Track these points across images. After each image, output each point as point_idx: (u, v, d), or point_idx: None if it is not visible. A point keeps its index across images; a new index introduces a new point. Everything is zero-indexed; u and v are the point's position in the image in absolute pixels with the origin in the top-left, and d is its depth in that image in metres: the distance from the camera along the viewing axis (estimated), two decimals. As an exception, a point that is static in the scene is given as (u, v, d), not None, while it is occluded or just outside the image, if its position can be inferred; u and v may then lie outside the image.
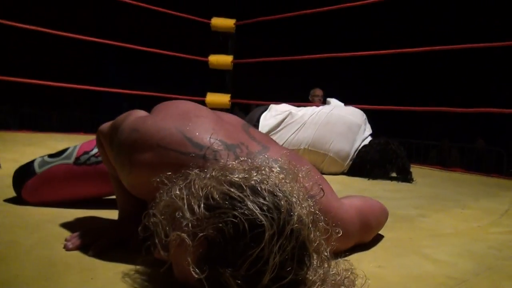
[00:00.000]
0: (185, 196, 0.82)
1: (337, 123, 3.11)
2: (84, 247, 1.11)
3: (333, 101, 3.66)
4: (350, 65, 10.52)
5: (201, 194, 0.81)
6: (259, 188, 0.81)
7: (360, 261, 1.15)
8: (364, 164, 3.01)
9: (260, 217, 0.76)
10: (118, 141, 1.08)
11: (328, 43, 9.41)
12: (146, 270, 0.98)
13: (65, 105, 8.40)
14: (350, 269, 0.92)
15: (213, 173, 0.86)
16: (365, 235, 1.26)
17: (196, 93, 5.05)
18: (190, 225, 0.78)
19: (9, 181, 1.56)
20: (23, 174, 1.53)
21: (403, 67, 10.65)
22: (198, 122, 1.06)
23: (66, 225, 1.32)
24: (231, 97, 4.99)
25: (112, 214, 1.41)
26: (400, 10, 9.84)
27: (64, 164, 1.52)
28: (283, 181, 0.87)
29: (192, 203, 0.80)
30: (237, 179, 0.83)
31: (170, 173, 0.92)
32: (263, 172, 0.88)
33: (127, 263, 1.02)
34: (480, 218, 1.89)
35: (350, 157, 3.08)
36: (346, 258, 1.11)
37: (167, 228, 0.82)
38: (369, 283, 0.92)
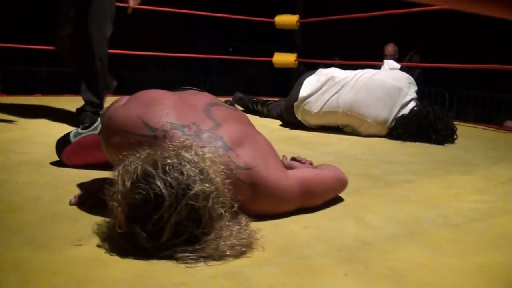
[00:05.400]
0: (120, 173, 1.14)
1: (377, 88, 3.18)
2: (82, 204, 1.48)
3: (388, 63, 3.66)
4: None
5: (131, 171, 1.12)
6: (168, 168, 1.10)
7: (292, 221, 1.40)
8: (402, 136, 3.09)
9: (163, 190, 1.06)
10: (102, 124, 1.43)
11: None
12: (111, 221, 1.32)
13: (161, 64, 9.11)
14: (250, 235, 1.19)
15: (145, 154, 1.16)
16: (308, 201, 1.47)
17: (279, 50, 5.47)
18: (119, 195, 1.11)
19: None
20: (63, 142, 1.95)
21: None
22: (157, 109, 1.36)
23: (81, 185, 1.71)
24: (298, 57, 5.16)
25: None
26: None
27: (91, 135, 1.91)
28: (199, 160, 1.15)
29: (124, 179, 1.12)
30: (157, 158, 1.13)
31: (125, 153, 1.23)
32: (191, 152, 1.17)
33: (101, 216, 1.36)
34: (471, 185, 1.95)
35: (389, 123, 3.16)
36: (282, 219, 1.37)
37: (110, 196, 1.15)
38: (262, 242, 1.18)
